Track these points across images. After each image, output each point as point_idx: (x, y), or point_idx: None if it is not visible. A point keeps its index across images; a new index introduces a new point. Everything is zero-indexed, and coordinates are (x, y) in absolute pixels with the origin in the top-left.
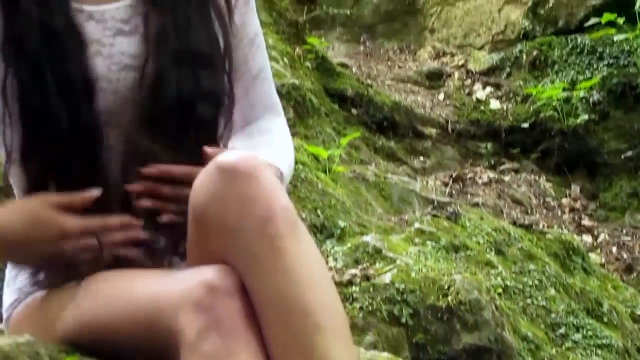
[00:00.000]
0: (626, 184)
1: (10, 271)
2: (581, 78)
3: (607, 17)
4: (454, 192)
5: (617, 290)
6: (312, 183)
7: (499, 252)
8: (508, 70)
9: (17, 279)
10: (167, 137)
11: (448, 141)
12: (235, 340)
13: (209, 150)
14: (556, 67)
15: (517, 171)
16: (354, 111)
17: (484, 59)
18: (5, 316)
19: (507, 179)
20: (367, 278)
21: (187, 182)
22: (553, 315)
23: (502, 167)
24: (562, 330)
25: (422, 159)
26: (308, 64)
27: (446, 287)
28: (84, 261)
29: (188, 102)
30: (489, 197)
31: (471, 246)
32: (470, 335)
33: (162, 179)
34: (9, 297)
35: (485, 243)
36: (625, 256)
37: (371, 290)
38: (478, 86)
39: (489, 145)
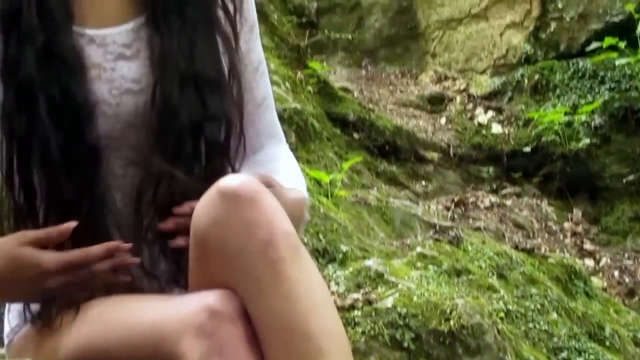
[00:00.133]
0: (628, 207)
1: None
2: (583, 102)
3: (609, 41)
4: (455, 216)
5: (619, 314)
6: (313, 207)
7: (501, 276)
8: (509, 94)
9: (18, 303)
10: (177, 161)
11: (450, 165)
12: None
13: None
14: (558, 91)
15: (518, 195)
16: (356, 135)
17: (485, 83)
18: (6, 341)
19: (508, 202)
20: (369, 302)
21: None
22: (555, 339)
23: (503, 191)
24: (564, 354)
25: (423, 183)
26: (309, 88)
27: (448, 311)
28: (73, 293)
29: (195, 126)
30: (491, 221)
31: (473, 270)
32: (472, 359)
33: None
34: (10, 322)
35: (487, 267)
36: (627, 280)
37: (373, 314)
38: (479, 110)
39: (491, 169)
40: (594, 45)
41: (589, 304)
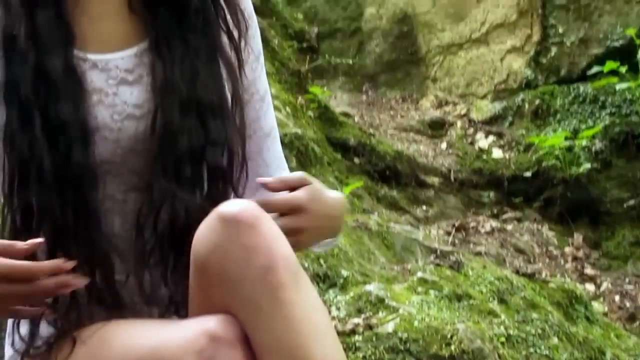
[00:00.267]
0: (628, 232)
1: (11, 321)
2: (583, 127)
3: (609, 65)
4: (456, 241)
5: (620, 338)
6: None
7: (502, 301)
8: (510, 119)
9: (19, 329)
10: (178, 186)
11: (450, 190)
12: None
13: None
14: (558, 116)
15: (519, 220)
16: (356, 160)
17: (486, 108)
18: None
19: (509, 227)
20: (370, 327)
21: None
22: None
23: (504, 216)
24: None
25: (424, 207)
26: (310, 113)
27: (449, 336)
28: (9, 305)
29: (195, 151)
30: (492, 246)
31: (474, 295)
32: None
33: None
34: (10, 348)
35: (488, 292)
36: (627, 305)
37: (374, 339)
38: (480, 135)
39: (491, 194)
40: (595, 69)
41: (589, 329)
